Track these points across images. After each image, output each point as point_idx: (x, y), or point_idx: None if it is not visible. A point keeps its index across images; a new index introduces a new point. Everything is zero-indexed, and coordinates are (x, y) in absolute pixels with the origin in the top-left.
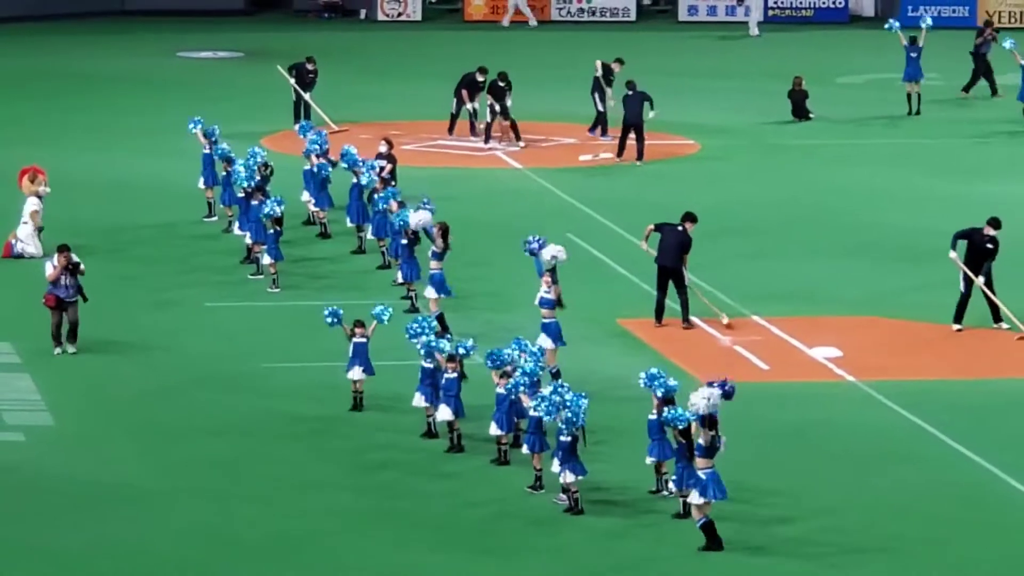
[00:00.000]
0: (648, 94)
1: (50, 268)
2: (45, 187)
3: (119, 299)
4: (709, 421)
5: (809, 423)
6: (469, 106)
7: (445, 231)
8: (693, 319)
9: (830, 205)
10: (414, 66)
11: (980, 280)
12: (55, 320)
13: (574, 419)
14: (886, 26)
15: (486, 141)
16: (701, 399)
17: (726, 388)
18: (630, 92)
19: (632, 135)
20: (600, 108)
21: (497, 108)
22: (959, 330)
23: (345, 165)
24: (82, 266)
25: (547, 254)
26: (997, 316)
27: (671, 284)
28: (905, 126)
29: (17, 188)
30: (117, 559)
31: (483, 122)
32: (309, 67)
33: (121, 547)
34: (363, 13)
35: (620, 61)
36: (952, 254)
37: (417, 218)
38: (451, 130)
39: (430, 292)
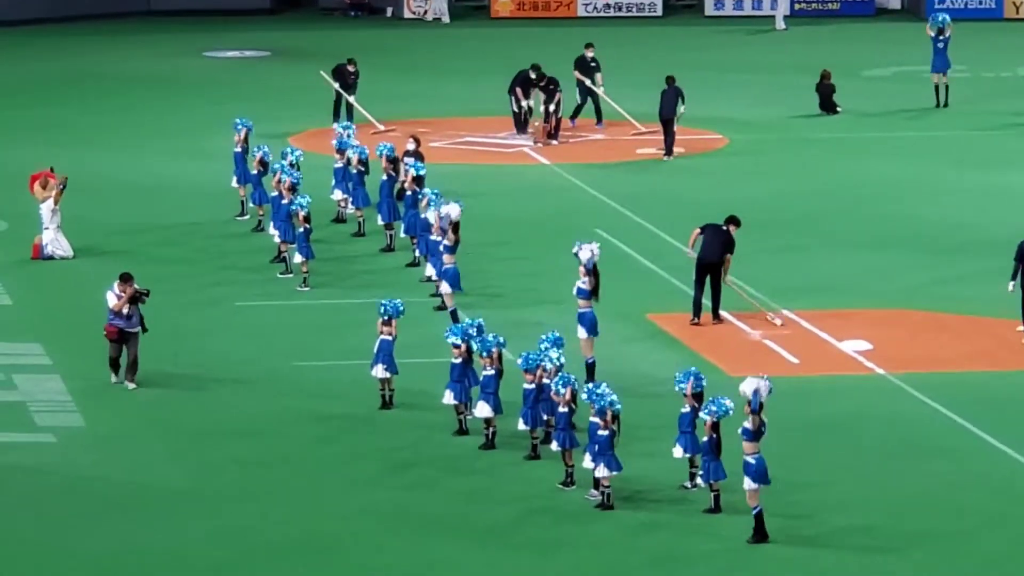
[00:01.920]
0: (681, 90)
1: (113, 298)
2: (59, 190)
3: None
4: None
5: (839, 416)
6: (524, 103)
7: (455, 226)
8: (723, 314)
9: (859, 198)
10: (440, 63)
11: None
12: (114, 353)
13: (614, 406)
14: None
15: (551, 135)
16: (758, 385)
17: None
18: (667, 87)
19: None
20: (579, 100)
21: (551, 106)
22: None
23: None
24: (147, 295)
25: (584, 257)
26: None
27: (708, 281)
28: (932, 118)
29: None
30: (148, 560)
31: (538, 120)
32: (350, 68)
33: (152, 548)
34: (389, 11)
35: (590, 45)
36: (1010, 285)
37: (447, 211)
38: (520, 128)
39: (445, 288)
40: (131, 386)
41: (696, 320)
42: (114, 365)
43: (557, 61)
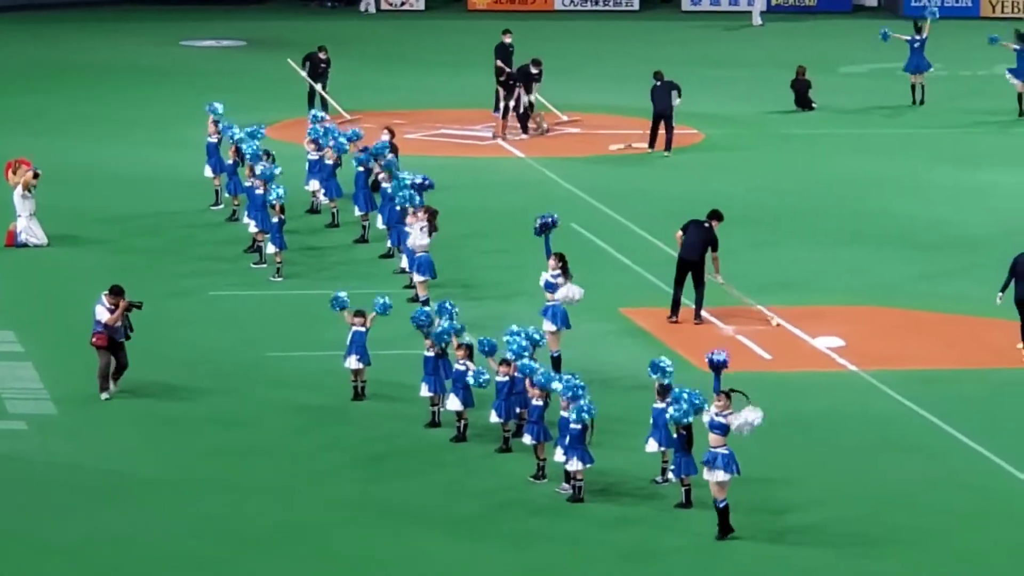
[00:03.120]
0: (676, 83)
1: (104, 312)
2: (33, 178)
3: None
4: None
5: (812, 413)
6: (526, 99)
7: (432, 214)
8: (705, 314)
9: (833, 194)
10: (417, 55)
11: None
12: (103, 362)
13: (587, 409)
14: (880, 36)
15: (525, 131)
16: (746, 426)
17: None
18: (658, 83)
19: (662, 126)
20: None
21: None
22: None
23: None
24: (140, 307)
25: (561, 295)
26: None
27: (689, 279)
28: (908, 115)
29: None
30: (122, 550)
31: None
32: (322, 56)
33: (126, 538)
34: (363, 5)
35: (507, 32)
36: (1000, 296)
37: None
38: (525, 128)
39: (417, 276)
40: (114, 388)
41: (674, 318)
42: (104, 377)
43: (535, 54)
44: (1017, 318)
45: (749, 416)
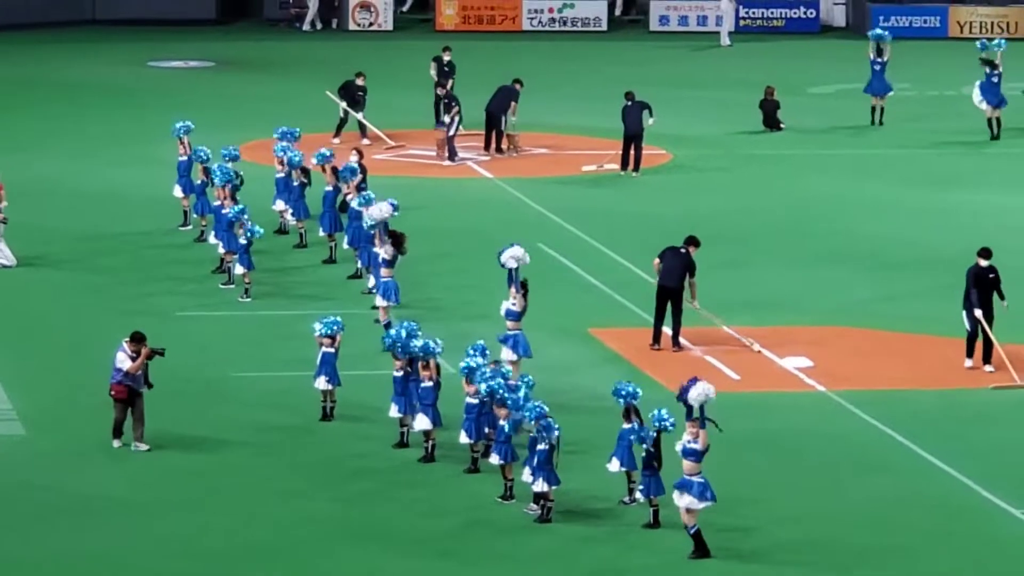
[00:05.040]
0: (647, 103)
1: (125, 359)
2: (2, 202)
3: (90, 308)
4: (702, 420)
5: (780, 433)
6: (514, 119)
7: (399, 239)
8: (684, 341)
9: (800, 215)
10: (386, 75)
11: (979, 313)
12: (119, 416)
13: (552, 429)
14: (870, 35)
15: (499, 150)
16: (701, 394)
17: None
18: (629, 103)
19: (632, 146)
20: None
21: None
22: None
23: (347, 177)
24: (163, 354)
25: (507, 256)
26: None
27: (668, 306)
28: (876, 136)
29: None
30: (89, 568)
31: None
32: (359, 83)
33: (92, 557)
34: (305, 24)
35: (447, 48)
36: (978, 312)
37: (373, 211)
38: (500, 148)
39: (380, 300)
40: (143, 447)
41: (656, 346)
42: (119, 429)
43: (502, 74)
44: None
45: (702, 389)
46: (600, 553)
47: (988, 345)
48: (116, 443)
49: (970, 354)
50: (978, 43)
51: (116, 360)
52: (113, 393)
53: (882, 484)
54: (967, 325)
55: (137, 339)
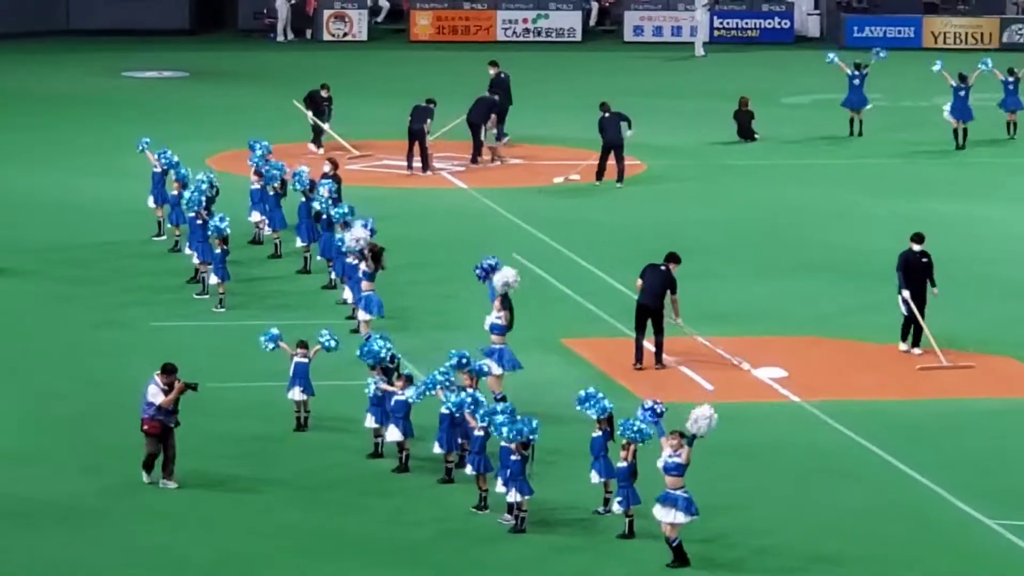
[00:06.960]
0: (624, 114)
1: (158, 392)
2: None
3: (65, 318)
4: (691, 440)
5: (754, 443)
6: (495, 129)
7: (377, 253)
8: (667, 358)
9: (775, 225)
10: (360, 86)
11: (906, 294)
12: (151, 450)
13: (529, 434)
14: (827, 59)
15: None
16: (703, 419)
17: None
18: (605, 114)
19: (611, 157)
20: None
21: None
22: (907, 351)
23: (298, 187)
24: (196, 388)
25: (499, 280)
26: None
27: (649, 324)
28: (850, 146)
29: None
30: None
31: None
32: (324, 94)
33: (65, 566)
34: (277, 34)
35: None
36: (906, 293)
37: (353, 235)
38: (475, 159)
39: (362, 314)
40: (172, 485)
41: (639, 365)
42: (150, 463)
43: (476, 85)
44: (955, 346)
45: (704, 413)
46: (575, 563)
47: (918, 329)
48: (146, 478)
49: (904, 337)
50: (980, 64)
51: (148, 394)
52: (145, 428)
53: (856, 494)
54: (902, 309)
55: (169, 371)
